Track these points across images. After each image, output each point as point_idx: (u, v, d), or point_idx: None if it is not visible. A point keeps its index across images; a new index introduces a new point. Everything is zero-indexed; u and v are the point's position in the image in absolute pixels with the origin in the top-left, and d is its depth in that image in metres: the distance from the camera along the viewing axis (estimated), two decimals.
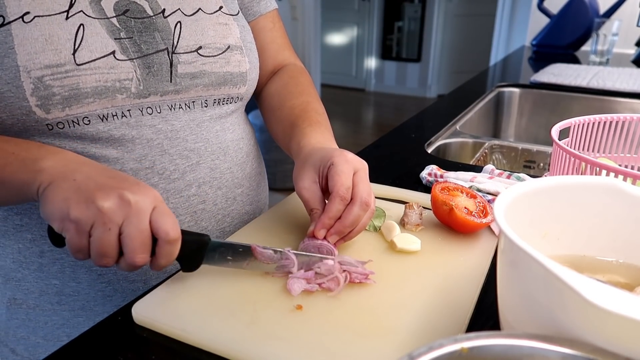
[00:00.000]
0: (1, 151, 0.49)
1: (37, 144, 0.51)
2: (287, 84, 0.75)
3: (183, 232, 0.48)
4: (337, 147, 0.62)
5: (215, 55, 0.63)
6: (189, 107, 0.62)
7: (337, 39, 5.86)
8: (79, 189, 0.44)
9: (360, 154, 0.97)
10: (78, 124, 0.54)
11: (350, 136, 4.41)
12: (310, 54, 4.37)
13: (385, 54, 5.68)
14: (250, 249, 0.52)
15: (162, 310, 0.48)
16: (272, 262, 0.52)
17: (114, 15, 0.56)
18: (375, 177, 0.79)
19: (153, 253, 0.46)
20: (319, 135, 0.63)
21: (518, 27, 3.61)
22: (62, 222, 0.44)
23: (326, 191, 0.56)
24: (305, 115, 0.68)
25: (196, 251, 0.50)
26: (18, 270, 0.62)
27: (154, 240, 0.45)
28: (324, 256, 0.53)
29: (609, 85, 1.50)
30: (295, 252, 0.52)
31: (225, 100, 0.66)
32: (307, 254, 0.53)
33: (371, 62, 5.79)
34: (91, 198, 0.43)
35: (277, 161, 2.74)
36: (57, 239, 0.47)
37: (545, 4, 2.21)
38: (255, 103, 0.82)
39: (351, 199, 0.54)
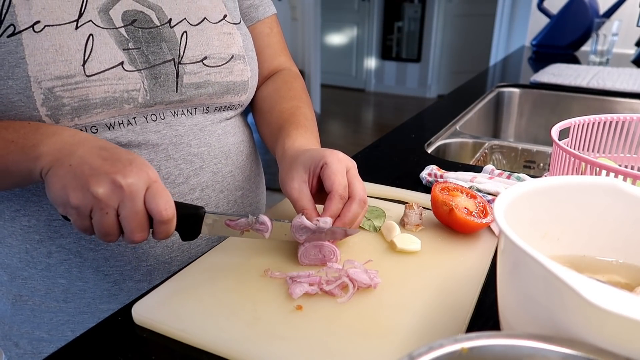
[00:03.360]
0: (2, 140, 0.50)
1: (35, 126, 0.51)
2: (279, 88, 0.75)
3: (179, 205, 0.50)
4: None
5: (219, 65, 0.63)
6: (191, 113, 0.63)
7: (337, 39, 5.86)
8: (74, 175, 0.46)
9: (360, 154, 0.97)
10: (86, 132, 0.55)
11: (350, 136, 4.41)
12: (310, 54, 4.37)
13: (385, 54, 5.68)
14: (228, 221, 0.54)
15: (162, 311, 0.48)
16: (250, 228, 0.54)
17: (122, 25, 0.56)
18: (375, 177, 0.79)
19: (152, 226, 0.48)
20: (303, 139, 0.64)
21: (518, 27, 3.61)
22: (64, 208, 0.47)
23: (316, 191, 0.57)
24: (293, 119, 0.68)
25: (193, 224, 0.53)
26: (25, 269, 0.62)
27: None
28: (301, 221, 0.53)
29: (609, 85, 1.50)
30: (266, 217, 0.54)
31: (226, 107, 0.67)
32: (281, 221, 0.54)
33: (371, 62, 5.79)
34: (86, 185, 0.45)
35: (277, 162, 2.74)
36: (66, 217, 0.50)
37: (545, 4, 2.21)
38: None
39: (349, 197, 0.54)
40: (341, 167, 0.55)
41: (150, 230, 0.49)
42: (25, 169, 0.49)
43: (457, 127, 1.20)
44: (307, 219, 0.54)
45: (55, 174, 0.46)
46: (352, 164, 0.57)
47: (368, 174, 0.58)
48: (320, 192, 0.57)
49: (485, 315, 0.49)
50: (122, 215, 0.46)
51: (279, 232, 0.54)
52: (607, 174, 0.52)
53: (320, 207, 0.55)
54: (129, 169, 0.46)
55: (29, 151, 0.48)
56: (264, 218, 0.53)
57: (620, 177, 0.51)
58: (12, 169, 0.50)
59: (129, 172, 0.46)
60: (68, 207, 0.46)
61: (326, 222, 0.53)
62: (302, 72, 0.84)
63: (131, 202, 0.45)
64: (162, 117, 0.60)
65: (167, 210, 0.47)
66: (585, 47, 2.20)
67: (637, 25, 2.16)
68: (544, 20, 2.27)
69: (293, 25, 4.31)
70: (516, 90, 1.59)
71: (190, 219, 0.52)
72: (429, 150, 1.03)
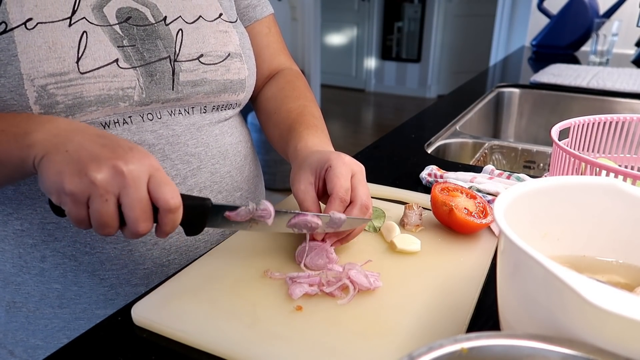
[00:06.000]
0: None
1: (26, 115, 0.49)
2: (283, 88, 0.75)
3: (184, 197, 0.47)
4: (334, 149, 0.62)
5: (216, 63, 0.63)
6: (188, 113, 0.62)
7: (337, 39, 5.86)
8: (71, 160, 0.43)
9: (360, 154, 0.97)
10: None
11: (350, 136, 4.41)
12: (310, 55, 4.37)
13: (385, 54, 5.68)
14: (228, 212, 0.51)
15: (161, 312, 0.48)
16: (252, 216, 0.51)
17: (117, 22, 0.56)
18: (375, 178, 0.79)
19: (156, 220, 0.46)
20: (315, 139, 0.64)
21: (518, 27, 3.61)
22: (58, 196, 0.44)
23: (322, 194, 0.56)
24: (302, 119, 0.68)
25: (199, 216, 0.50)
26: (18, 274, 0.61)
27: (156, 207, 0.45)
28: (305, 214, 0.52)
29: (609, 85, 1.50)
30: (267, 203, 0.51)
31: (224, 106, 0.67)
32: (285, 211, 0.52)
33: (371, 63, 5.79)
34: (84, 170, 0.42)
35: (277, 162, 2.74)
36: (58, 210, 0.47)
37: (545, 4, 2.21)
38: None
39: (351, 202, 0.54)
40: (345, 170, 0.54)
41: (154, 225, 0.46)
42: (17, 158, 0.46)
43: (457, 127, 1.20)
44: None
45: (50, 160, 0.44)
46: (359, 169, 0.56)
47: (368, 174, 0.58)
48: (327, 195, 0.57)
49: (485, 315, 0.49)
50: (125, 203, 0.43)
51: (284, 225, 0.53)
52: (607, 174, 0.52)
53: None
54: (130, 155, 0.44)
55: (21, 139, 0.46)
56: (266, 203, 0.51)
57: (620, 177, 0.51)
58: (2, 159, 0.47)
59: (130, 159, 0.43)
60: (62, 195, 0.43)
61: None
62: (302, 72, 0.84)
63: (134, 188, 0.43)
64: (159, 117, 0.59)
65: (174, 198, 0.44)
66: (585, 47, 2.20)
67: (637, 26, 2.16)
68: (544, 21, 2.27)
69: (293, 25, 4.30)
70: (516, 90, 1.59)
71: (196, 210, 0.49)
72: (429, 151, 1.03)
